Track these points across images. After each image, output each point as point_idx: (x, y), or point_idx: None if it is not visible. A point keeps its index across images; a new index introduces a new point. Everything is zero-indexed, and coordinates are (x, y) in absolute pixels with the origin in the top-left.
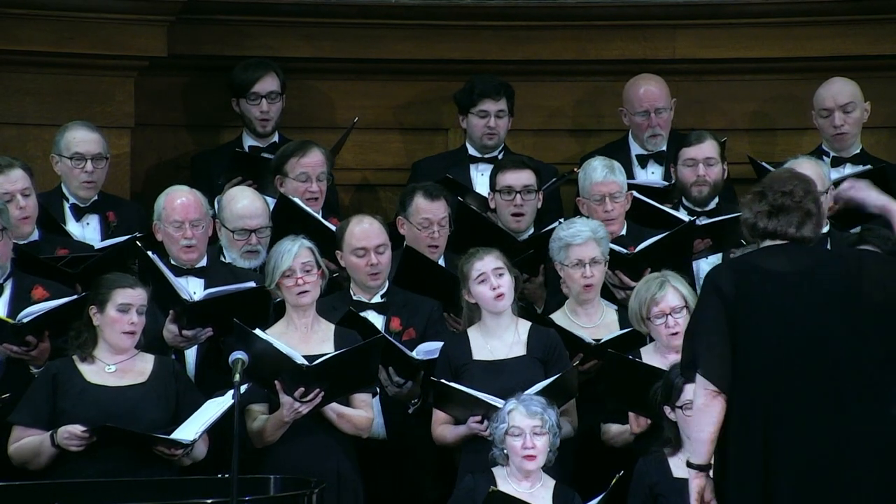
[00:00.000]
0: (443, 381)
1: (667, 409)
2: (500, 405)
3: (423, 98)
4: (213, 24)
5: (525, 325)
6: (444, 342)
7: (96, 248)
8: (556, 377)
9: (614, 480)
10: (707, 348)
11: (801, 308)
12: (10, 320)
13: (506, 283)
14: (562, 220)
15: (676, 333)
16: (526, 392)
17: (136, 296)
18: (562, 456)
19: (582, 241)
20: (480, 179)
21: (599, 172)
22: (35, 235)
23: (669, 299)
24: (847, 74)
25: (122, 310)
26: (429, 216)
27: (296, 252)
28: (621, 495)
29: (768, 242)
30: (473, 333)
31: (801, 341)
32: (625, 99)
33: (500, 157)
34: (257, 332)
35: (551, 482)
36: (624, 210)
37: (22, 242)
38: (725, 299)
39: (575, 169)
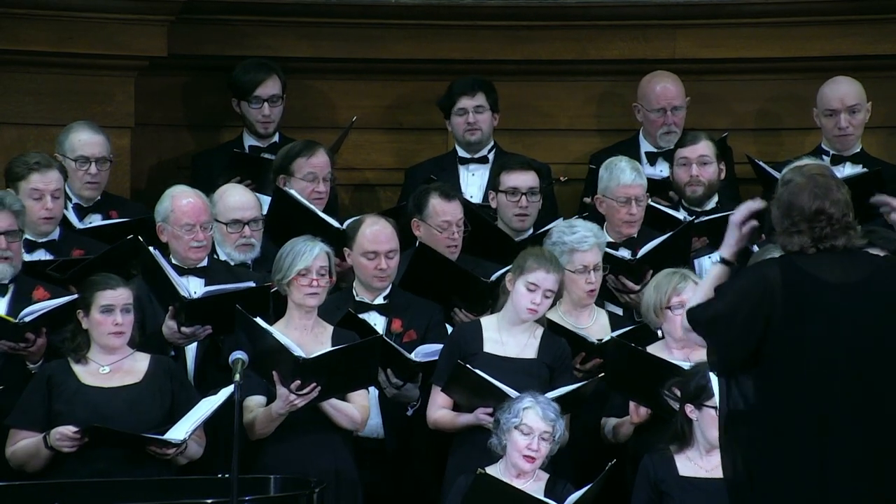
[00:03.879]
0: (468, 366)
1: (689, 408)
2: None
3: (423, 98)
4: (213, 24)
5: (539, 330)
6: (453, 329)
7: (92, 225)
8: (577, 386)
9: (607, 469)
10: (727, 325)
11: (857, 322)
12: (11, 319)
13: (546, 305)
14: (560, 220)
15: None
16: (543, 396)
17: (117, 296)
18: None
19: (588, 248)
20: (471, 179)
21: (629, 175)
22: (55, 234)
23: (691, 291)
24: (847, 74)
25: (105, 311)
26: (448, 218)
27: (316, 253)
28: (620, 488)
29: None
30: (487, 324)
31: (858, 355)
32: (640, 95)
33: (489, 156)
34: (258, 320)
35: (544, 476)
36: (643, 213)
37: (41, 241)
38: (774, 303)
39: (562, 177)
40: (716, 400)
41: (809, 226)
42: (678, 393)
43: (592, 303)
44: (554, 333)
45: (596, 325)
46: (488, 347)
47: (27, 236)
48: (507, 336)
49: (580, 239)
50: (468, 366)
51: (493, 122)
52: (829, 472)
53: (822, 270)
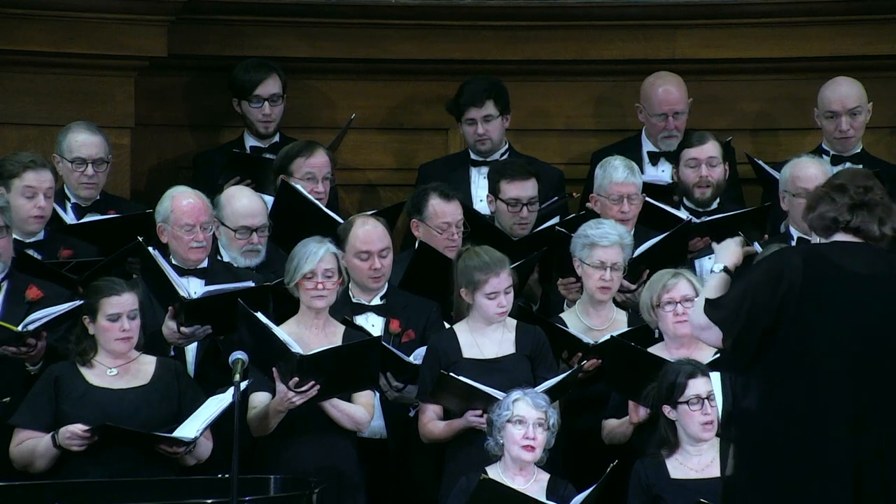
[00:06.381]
0: (452, 374)
1: (666, 409)
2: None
3: (423, 98)
4: (213, 24)
5: (511, 323)
6: (429, 341)
7: (88, 220)
8: (563, 376)
9: (609, 469)
10: (738, 314)
11: (875, 313)
12: (14, 328)
13: (510, 299)
14: (558, 218)
15: (684, 322)
16: (532, 389)
17: (123, 303)
18: (554, 452)
19: (608, 245)
20: (482, 182)
21: (621, 173)
22: (40, 235)
23: (681, 288)
24: (847, 74)
25: (112, 319)
26: (448, 219)
27: (321, 256)
28: (619, 490)
29: (840, 237)
30: (461, 330)
31: (874, 346)
32: (643, 97)
33: (502, 157)
34: (259, 315)
35: (545, 476)
36: (637, 212)
37: (27, 241)
38: (792, 287)
39: (574, 193)
40: (690, 392)
41: (854, 189)
42: (654, 399)
43: (608, 301)
44: (526, 323)
45: (612, 327)
46: (467, 353)
47: (14, 236)
48: (481, 338)
49: (602, 234)
50: (451, 374)
51: (505, 125)
52: (832, 470)
53: (844, 259)
